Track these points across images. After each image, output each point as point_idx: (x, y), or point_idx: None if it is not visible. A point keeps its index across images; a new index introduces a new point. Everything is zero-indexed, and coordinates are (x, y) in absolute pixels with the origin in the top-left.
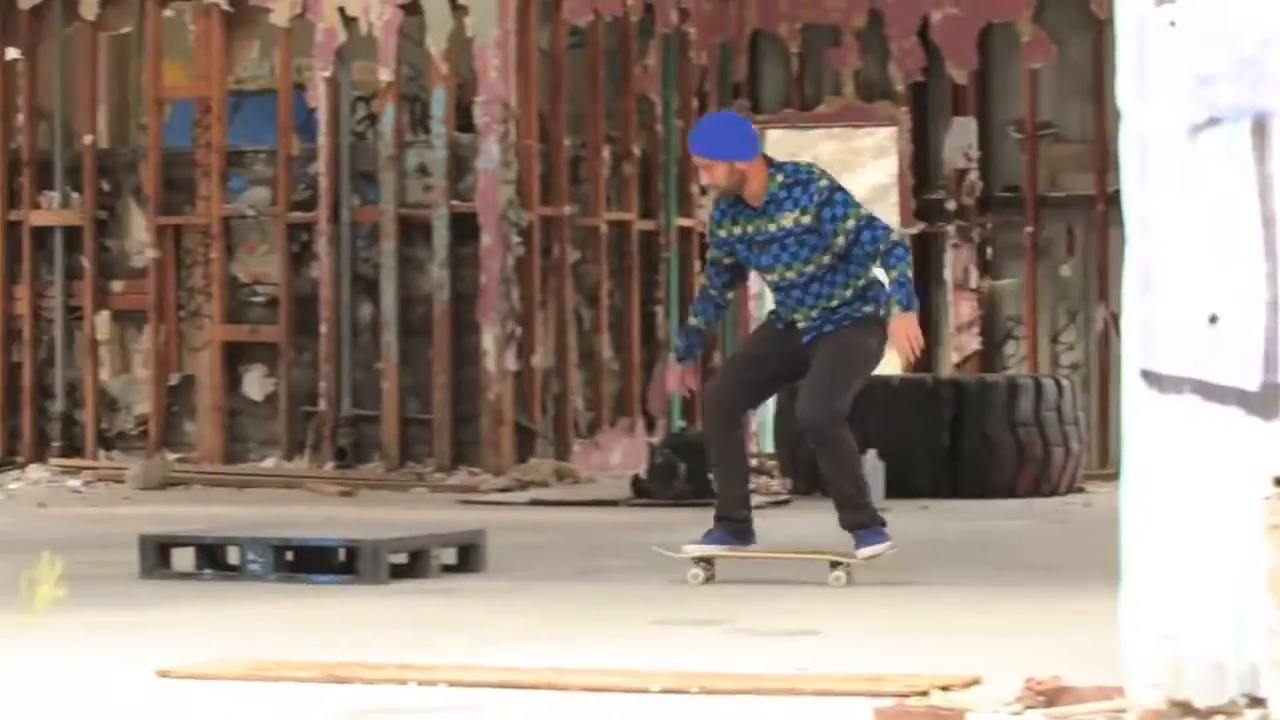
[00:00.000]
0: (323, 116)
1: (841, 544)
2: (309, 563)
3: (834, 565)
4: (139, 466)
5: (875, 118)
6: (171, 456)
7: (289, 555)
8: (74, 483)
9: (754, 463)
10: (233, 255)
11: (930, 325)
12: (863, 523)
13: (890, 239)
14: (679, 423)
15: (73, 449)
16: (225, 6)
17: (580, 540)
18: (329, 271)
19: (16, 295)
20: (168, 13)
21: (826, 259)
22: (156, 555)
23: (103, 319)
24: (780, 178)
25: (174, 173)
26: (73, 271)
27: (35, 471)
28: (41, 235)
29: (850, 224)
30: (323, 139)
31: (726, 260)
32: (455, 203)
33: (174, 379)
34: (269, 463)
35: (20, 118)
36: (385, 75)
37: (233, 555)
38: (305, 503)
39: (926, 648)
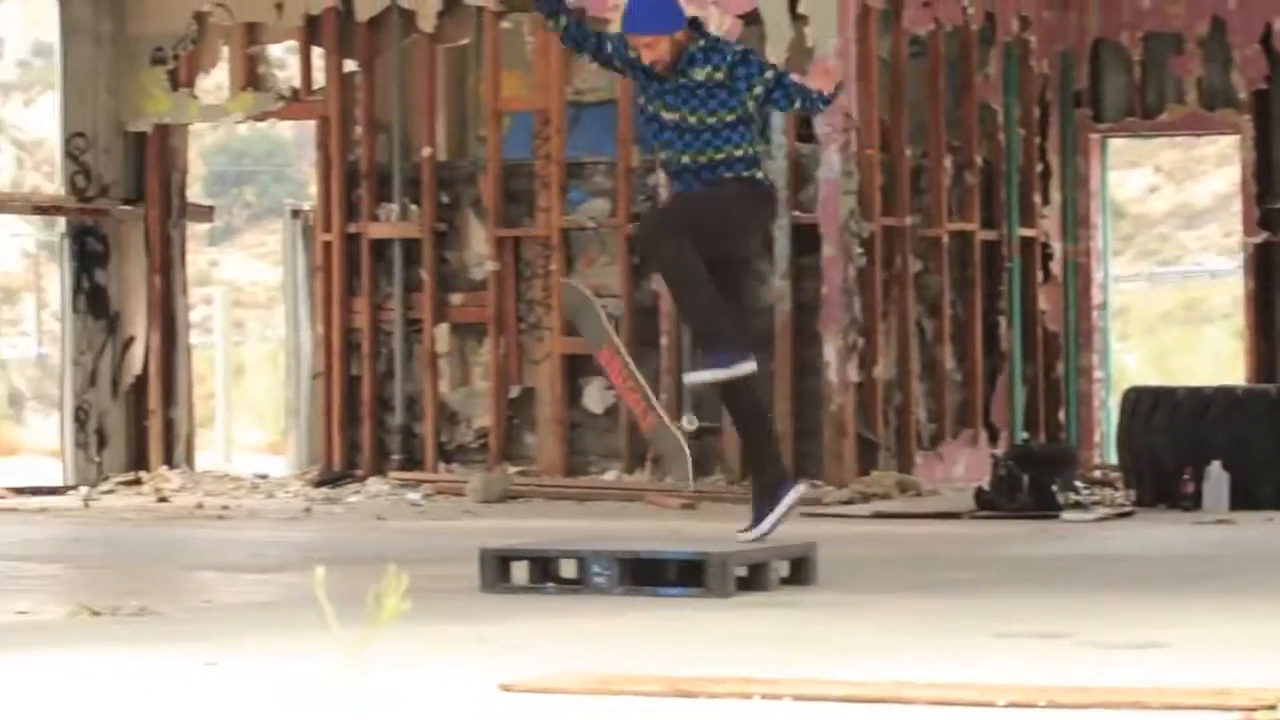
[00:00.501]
0: None
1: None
2: (653, 575)
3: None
4: (479, 479)
5: (1218, 126)
6: (512, 469)
7: (635, 568)
8: (413, 496)
9: (1098, 474)
10: (572, 267)
11: (1277, 335)
12: (714, 347)
13: (798, 88)
14: (1022, 435)
15: (412, 462)
16: None
17: (919, 552)
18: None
19: (356, 308)
20: (505, 24)
21: (730, 117)
22: (497, 569)
23: (442, 331)
24: (701, 41)
25: (513, 184)
26: (412, 284)
27: (374, 485)
28: (380, 248)
29: (766, 75)
30: None
31: (610, 54)
32: (797, 214)
33: (514, 391)
34: (609, 475)
35: (358, 130)
36: None
37: (575, 569)
38: (646, 516)
39: (1275, 661)
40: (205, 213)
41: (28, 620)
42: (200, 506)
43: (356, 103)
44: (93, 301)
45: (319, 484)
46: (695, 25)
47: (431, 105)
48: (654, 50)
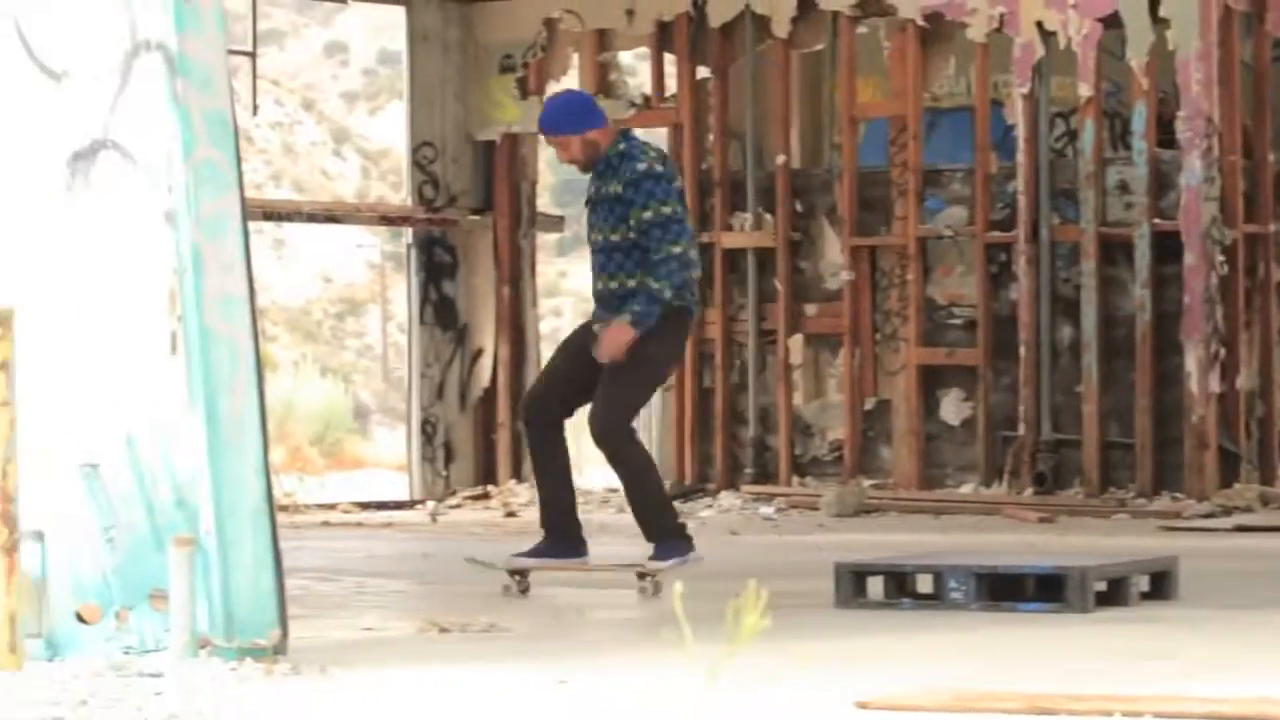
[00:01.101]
0: (1021, 133)
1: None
2: (1011, 590)
3: (640, 577)
4: (833, 493)
5: None
6: (866, 483)
7: (991, 583)
8: (766, 510)
9: None
10: (929, 276)
11: None
12: (660, 536)
13: (666, 251)
14: None
15: (765, 475)
16: (920, 22)
17: None
18: (1028, 292)
19: (709, 319)
20: (861, 29)
21: (632, 235)
22: (852, 584)
23: (796, 342)
24: (621, 146)
25: (868, 192)
26: (765, 294)
27: (727, 498)
28: (734, 257)
29: (644, 215)
30: (1021, 156)
31: None
32: (1158, 221)
33: (869, 403)
34: (966, 488)
35: (711, 138)
36: (1085, 90)
37: (931, 583)
38: (1003, 529)
39: None
40: (555, 222)
41: (374, 636)
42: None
43: (709, 110)
44: (440, 313)
45: (672, 498)
46: (625, 133)
47: (786, 112)
48: (567, 151)
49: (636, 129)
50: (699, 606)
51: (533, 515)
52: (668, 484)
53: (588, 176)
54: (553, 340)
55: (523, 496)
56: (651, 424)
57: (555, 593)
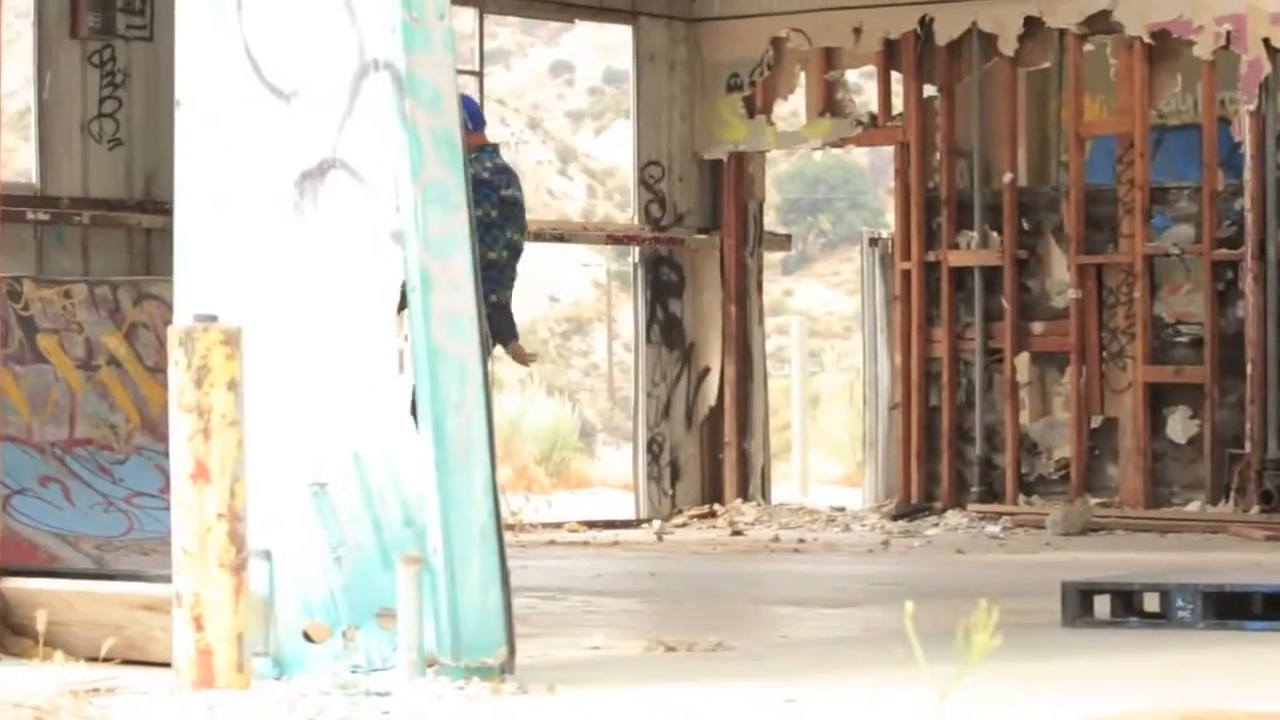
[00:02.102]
0: (1248, 150)
1: None
2: (1239, 609)
3: None
4: (1059, 511)
5: None
6: (1093, 501)
7: (1218, 602)
8: (992, 528)
9: None
10: (1156, 294)
11: None
12: None
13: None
14: None
15: (991, 494)
16: (1147, 39)
17: None
18: (1255, 309)
19: (935, 338)
20: (1088, 47)
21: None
22: (1079, 603)
23: (1023, 361)
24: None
25: (1095, 210)
26: (992, 313)
27: (953, 517)
28: (960, 276)
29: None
30: (1248, 173)
31: None
32: None
33: (1095, 421)
34: (1192, 506)
35: (937, 156)
36: None
37: (1157, 602)
38: (1229, 547)
39: None
40: (782, 241)
41: (602, 655)
42: (776, 540)
43: (936, 128)
44: (667, 332)
45: (896, 516)
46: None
47: (1013, 130)
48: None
49: (862, 147)
50: (927, 625)
51: (760, 534)
52: (894, 502)
53: (806, 196)
54: (778, 359)
55: (749, 515)
56: (878, 443)
57: (783, 610)
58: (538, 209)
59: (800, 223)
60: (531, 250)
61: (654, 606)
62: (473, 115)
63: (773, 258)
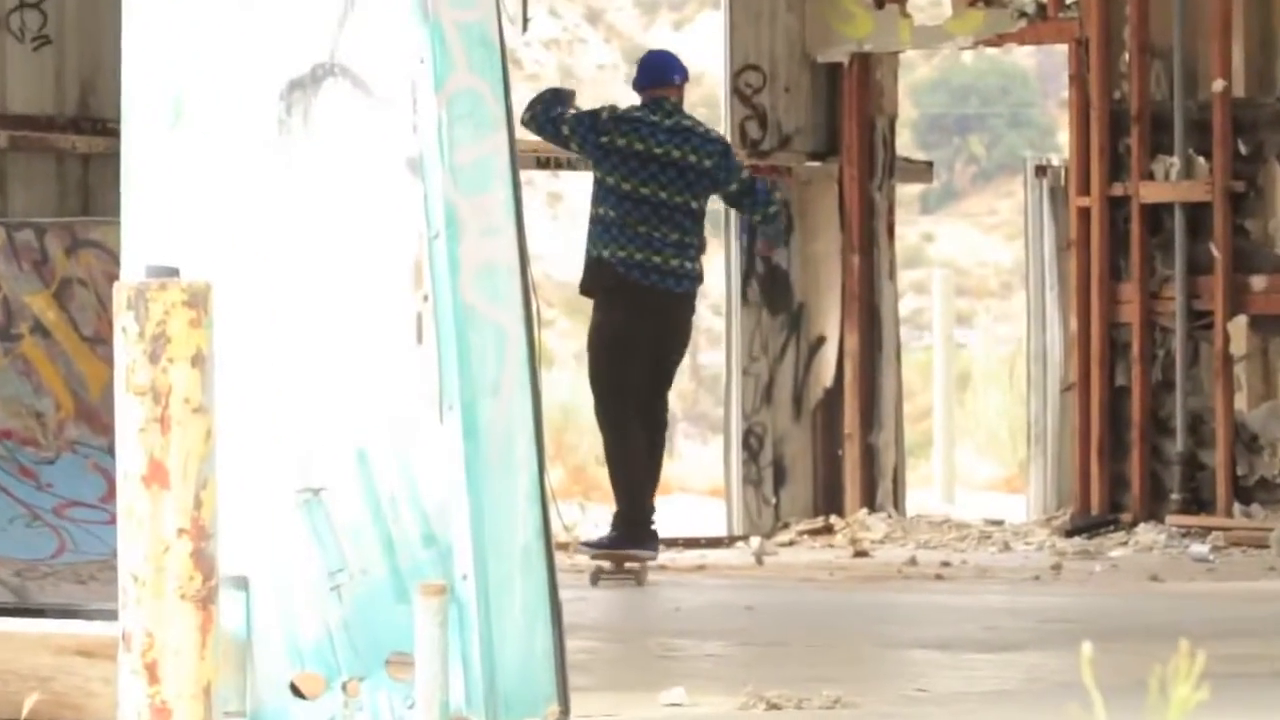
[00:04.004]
0: None
1: None
2: None
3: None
4: None
5: None
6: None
7: None
8: (1199, 548)
9: None
10: None
11: None
12: (613, 523)
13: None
14: None
15: (1198, 503)
16: None
17: None
18: None
19: (1122, 297)
20: None
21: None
22: None
23: (1239, 327)
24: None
25: None
26: (1198, 264)
27: (1147, 533)
28: (1156, 215)
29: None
30: None
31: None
32: None
33: None
34: None
35: (1126, 58)
36: None
37: None
38: None
39: None
40: (920, 171)
41: (684, 714)
42: (912, 563)
43: (1124, 21)
44: (769, 290)
45: (1072, 532)
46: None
47: (1226, 23)
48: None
49: (1026, 46)
50: (1110, 675)
51: (892, 555)
52: (1068, 513)
53: (952, 112)
54: (915, 326)
55: (877, 531)
56: (1046, 436)
57: (921, 656)
58: None
59: (945, 146)
60: (591, 183)
61: (752, 650)
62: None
63: (909, 192)
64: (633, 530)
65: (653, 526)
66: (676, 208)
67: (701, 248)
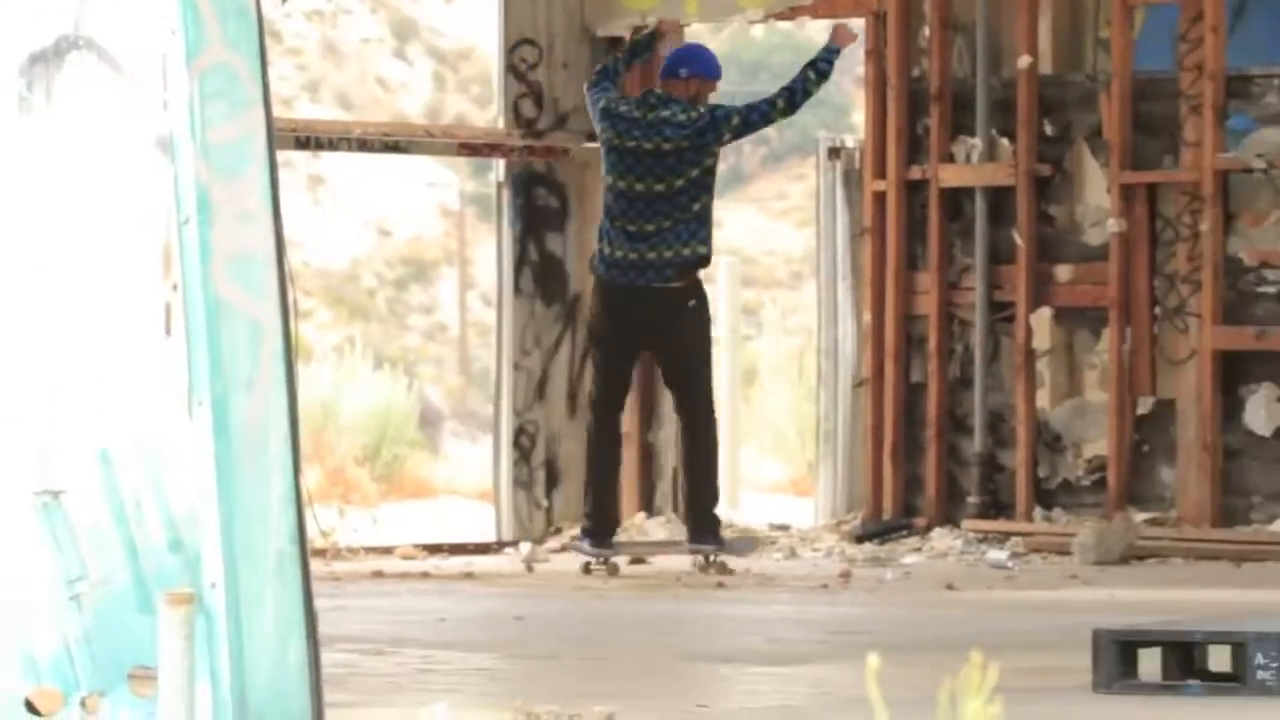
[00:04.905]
0: None
1: None
2: None
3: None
4: (1091, 532)
5: None
6: (1139, 517)
7: None
8: (998, 555)
9: None
10: (1231, 226)
11: None
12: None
13: None
14: None
15: (996, 507)
16: None
17: None
18: None
19: (919, 287)
20: None
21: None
22: (1118, 659)
23: (1042, 319)
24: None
25: (1147, 108)
26: (1000, 253)
27: (942, 539)
28: (955, 199)
29: None
30: None
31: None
32: None
33: (1144, 405)
34: None
35: (926, 33)
36: None
37: (1228, 659)
38: None
39: None
40: None
41: None
42: (695, 571)
43: None
44: (544, 279)
45: (863, 538)
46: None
47: None
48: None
49: (820, 20)
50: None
51: (667, 563)
52: (858, 517)
53: (741, 89)
54: None
55: (655, 535)
56: (837, 434)
57: (701, 669)
58: (366, 106)
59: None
60: (355, 164)
61: (521, 663)
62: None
63: None
64: (593, 529)
65: (715, 516)
66: (657, 197)
67: (695, 228)
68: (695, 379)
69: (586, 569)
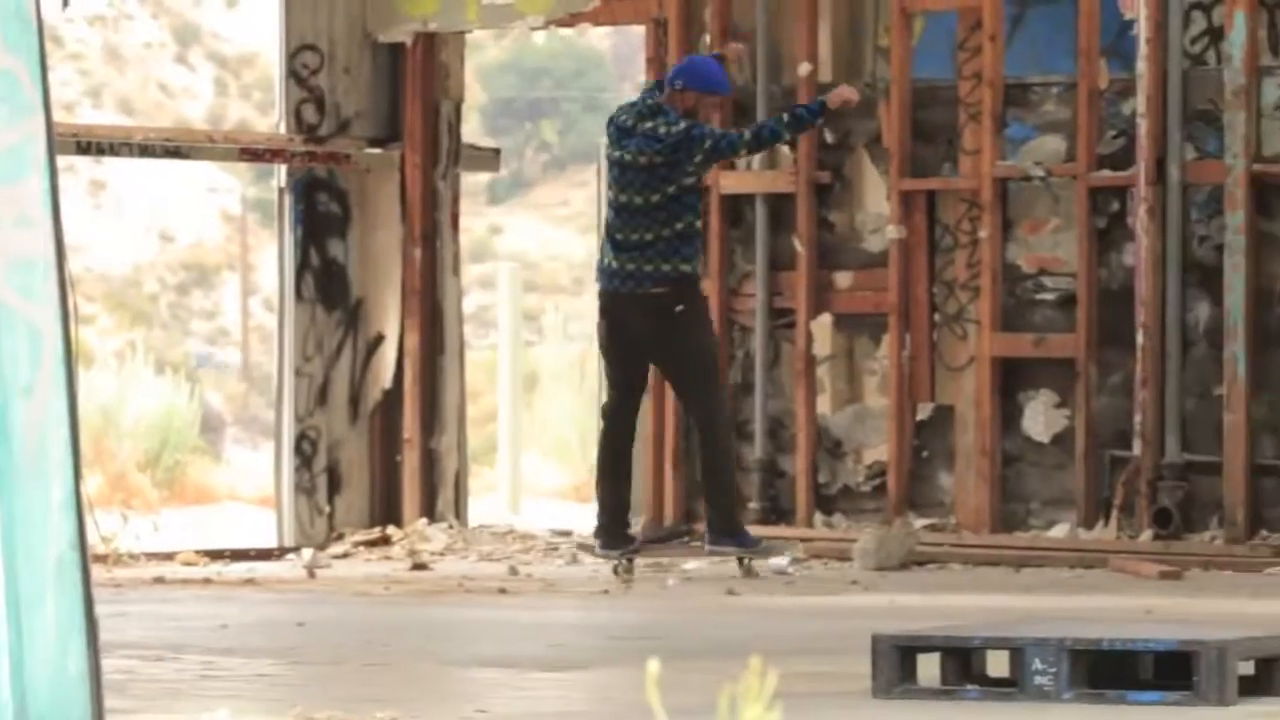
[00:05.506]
0: (1142, 32)
1: None
2: (1120, 674)
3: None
4: (871, 537)
5: None
6: (919, 523)
7: (1092, 664)
8: (778, 561)
9: None
10: (1010, 234)
11: None
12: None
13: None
14: None
15: (777, 512)
16: None
17: None
18: (1149, 256)
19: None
20: None
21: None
22: (897, 664)
23: (823, 326)
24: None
25: (927, 116)
26: (779, 259)
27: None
28: (735, 206)
29: None
30: (1142, 65)
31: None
32: None
33: (924, 411)
34: (1058, 531)
35: (706, 39)
36: None
37: (1007, 664)
38: (1110, 588)
39: None
40: (487, 159)
41: None
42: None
43: (705, 1)
44: (324, 285)
45: (644, 543)
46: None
47: (812, 5)
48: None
49: (602, 27)
50: (680, 694)
51: (453, 568)
52: (640, 523)
53: (523, 96)
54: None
55: (437, 542)
56: None
57: (482, 675)
58: (148, 111)
59: (516, 133)
60: (136, 169)
61: (302, 669)
62: (725, 81)
63: (475, 181)
64: (603, 533)
65: (735, 518)
66: (636, 209)
67: (677, 245)
68: (693, 385)
69: (616, 571)
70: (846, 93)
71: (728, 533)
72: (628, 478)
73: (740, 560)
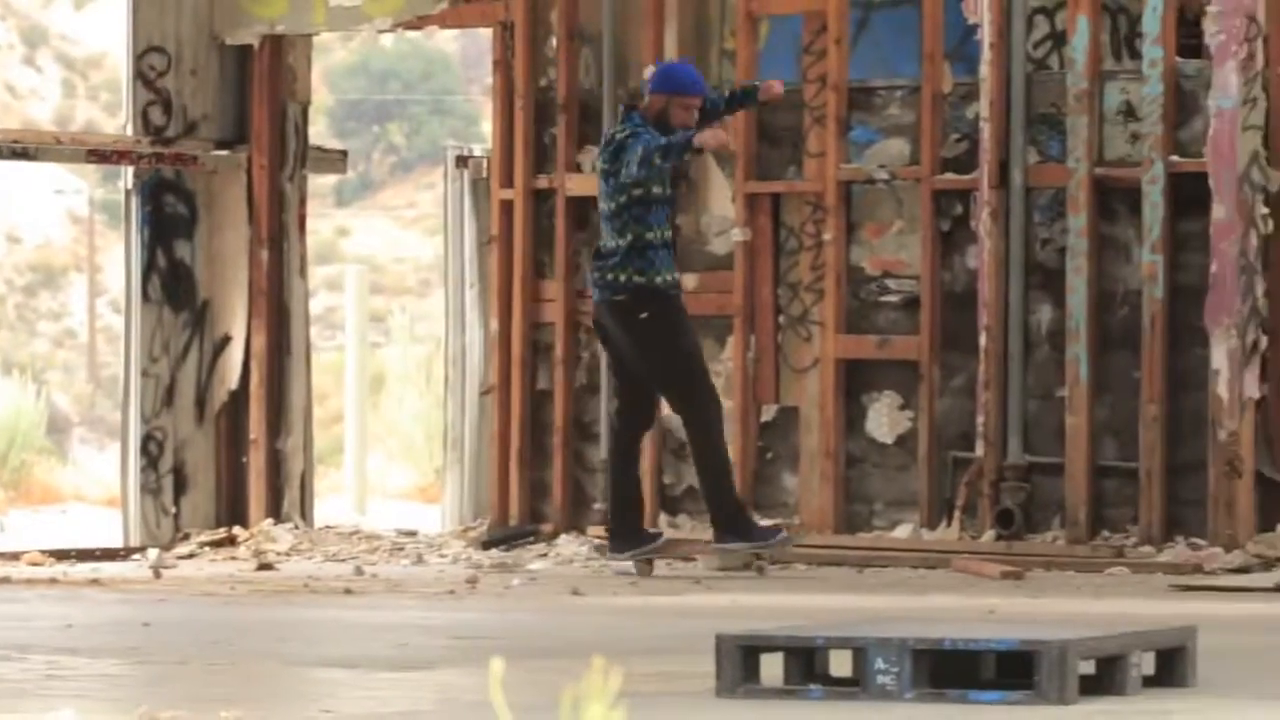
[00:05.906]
0: (986, 37)
1: None
2: (962, 673)
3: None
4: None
5: None
6: (763, 523)
7: (934, 663)
8: (623, 562)
9: None
10: (854, 236)
11: None
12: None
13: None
14: None
15: None
16: None
17: None
18: (992, 259)
19: (546, 295)
20: None
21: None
22: (741, 663)
23: None
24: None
25: (772, 119)
26: None
27: (568, 545)
28: (582, 209)
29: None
30: (986, 69)
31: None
32: (1175, 159)
33: (768, 413)
34: (901, 531)
35: (553, 43)
36: None
37: (849, 663)
38: (952, 588)
39: None
40: (334, 160)
41: None
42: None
43: (552, 4)
44: (171, 286)
45: (489, 544)
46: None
47: (658, 9)
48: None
49: (449, 30)
50: (525, 693)
51: (298, 568)
52: (485, 523)
53: (370, 98)
54: (327, 325)
55: (283, 542)
56: (464, 441)
57: (327, 675)
58: None
59: (363, 135)
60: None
61: (147, 669)
62: (695, 82)
63: (323, 183)
64: (614, 534)
65: (734, 514)
66: (604, 218)
67: (631, 257)
68: (669, 389)
69: (636, 570)
70: (776, 89)
71: (731, 529)
72: (636, 481)
73: (756, 555)
